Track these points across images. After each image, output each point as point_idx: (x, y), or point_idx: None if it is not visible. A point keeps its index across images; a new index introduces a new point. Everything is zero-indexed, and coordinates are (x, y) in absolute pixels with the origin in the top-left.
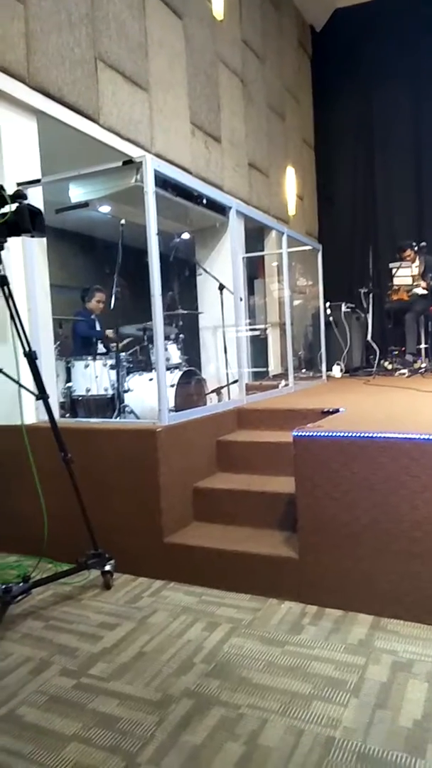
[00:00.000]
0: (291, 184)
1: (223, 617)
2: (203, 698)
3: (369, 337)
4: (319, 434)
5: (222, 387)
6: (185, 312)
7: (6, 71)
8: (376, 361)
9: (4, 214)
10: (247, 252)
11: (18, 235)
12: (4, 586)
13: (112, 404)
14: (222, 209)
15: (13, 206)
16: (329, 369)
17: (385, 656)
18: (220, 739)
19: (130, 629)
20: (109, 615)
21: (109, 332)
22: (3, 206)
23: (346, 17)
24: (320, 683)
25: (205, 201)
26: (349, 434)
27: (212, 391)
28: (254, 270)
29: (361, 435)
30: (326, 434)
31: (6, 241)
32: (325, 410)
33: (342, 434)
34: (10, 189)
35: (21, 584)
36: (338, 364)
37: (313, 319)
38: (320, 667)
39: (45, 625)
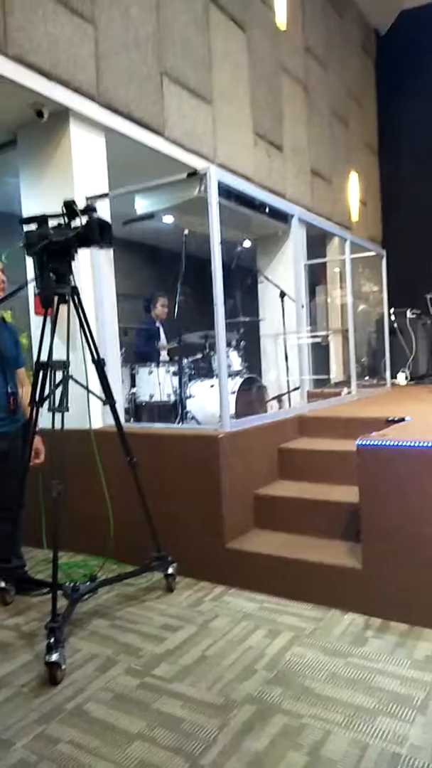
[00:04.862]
0: (354, 190)
1: (284, 625)
2: (265, 705)
3: None
4: (384, 444)
5: (283, 394)
6: (246, 319)
7: (78, 91)
8: None
9: (76, 228)
10: (308, 259)
11: (88, 247)
12: (72, 585)
13: (174, 410)
14: (284, 217)
15: (84, 219)
16: (394, 376)
17: None
18: (282, 748)
19: (192, 632)
20: (172, 617)
21: (162, 346)
22: (74, 220)
23: (412, 19)
24: (385, 698)
25: (267, 209)
26: (416, 444)
27: (273, 398)
28: (316, 276)
29: (429, 445)
30: (392, 444)
31: (77, 253)
32: (390, 419)
33: (408, 444)
34: (80, 203)
35: (88, 583)
36: (403, 372)
37: (376, 325)
38: (385, 682)
39: (110, 624)
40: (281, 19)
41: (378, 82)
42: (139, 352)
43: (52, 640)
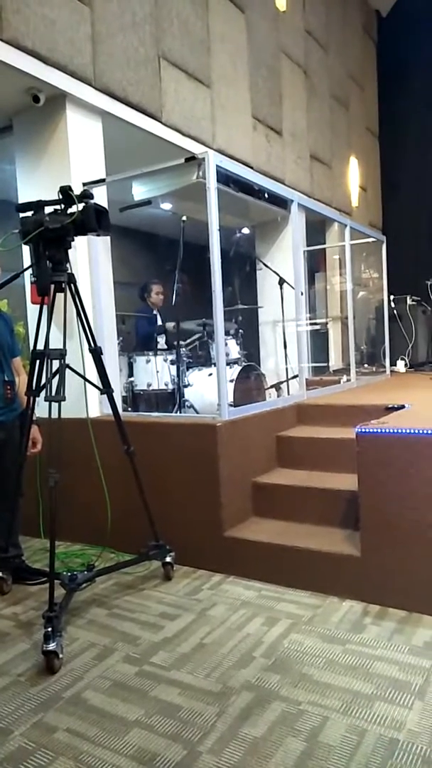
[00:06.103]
0: (354, 175)
1: (282, 612)
2: (263, 692)
3: None
4: (383, 431)
5: (282, 382)
6: (245, 307)
7: (74, 75)
8: None
9: (72, 214)
10: (308, 245)
11: (85, 234)
12: (69, 574)
13: (172, 399)
14: (283, 203)
15: (80, 206)
16: (393, 364)
17: None
18: (280, 734)
19: (190, 620)
20: (170, 606)
21: (170, 325)
22: (71, 206)
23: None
24: (383, 684)
25: (266, 195)
26: (416, 431)
27: (272, 386)
28: (315, 263)
29: (428, 432)
30: (391, 431)
31: (73, 240)
32: (390, 406)
33: (408, 431)
34: (77, 189)
35: (85, 572)
36: (402, 359)
37: (376, 312)
38: (383, 668)
39: (108, 613)
40: (281, 0)
41: (379, 65)
42: (142, 341)
43: (49, 629)
